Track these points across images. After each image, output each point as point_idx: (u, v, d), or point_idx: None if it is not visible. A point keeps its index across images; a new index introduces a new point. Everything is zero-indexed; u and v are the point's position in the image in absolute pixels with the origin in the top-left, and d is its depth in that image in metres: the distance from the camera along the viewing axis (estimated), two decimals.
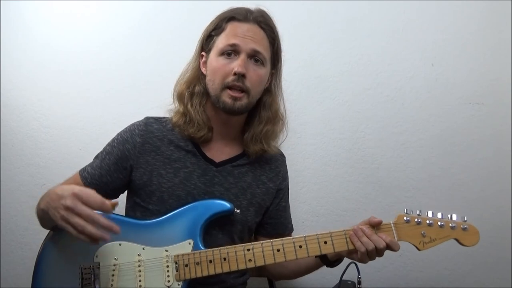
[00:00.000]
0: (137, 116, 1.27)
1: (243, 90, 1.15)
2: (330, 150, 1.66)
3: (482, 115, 1.66)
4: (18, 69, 1.60)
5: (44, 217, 1.05)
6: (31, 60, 1.60)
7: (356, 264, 1.17)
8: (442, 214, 1.13)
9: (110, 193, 1.22)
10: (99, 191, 1.17)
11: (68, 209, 0.94)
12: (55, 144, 1.61)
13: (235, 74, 1.13)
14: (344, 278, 1.23)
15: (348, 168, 1.66)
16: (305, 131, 1.66)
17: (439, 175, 1.65)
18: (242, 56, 1.14)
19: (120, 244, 1.09)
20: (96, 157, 1.24)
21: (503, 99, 1.67)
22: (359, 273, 1.19)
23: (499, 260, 1.64)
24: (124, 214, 1.25)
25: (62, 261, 1.08)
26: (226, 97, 1.14)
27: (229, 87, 1.14)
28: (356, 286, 1.22)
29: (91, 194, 0.96)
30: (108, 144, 1.23)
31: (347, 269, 1.20)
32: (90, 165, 1.23)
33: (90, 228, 0.93)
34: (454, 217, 1.12)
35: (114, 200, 0.98)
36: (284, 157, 1.37)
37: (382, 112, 1.66)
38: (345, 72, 1.66)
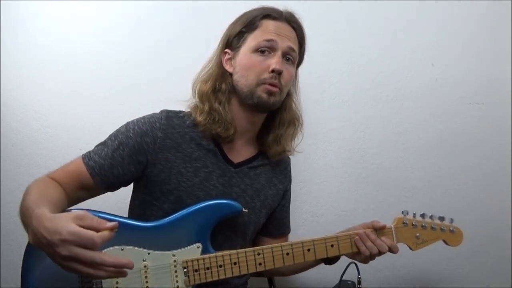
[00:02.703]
0: (137, 116, 1.25)
1: (278, 86, 1.14)
2: (330, 150, 1.66)
3: (482, 115, 1.66)
4: (18, 69, 1.60)
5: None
6: (31, 60, 1.60)
7: (356, 264, 1.18)
8: (432, 216, 1.21)
9: (117, 185, 1.16)
10: (106, 182, 1.12)
11: (67, 259, 0.79)
12: (55, 144, 1.61)
13: (273, 71, 1.12)
14: (344, 278, 1.23)
15: (348, 168, 1.66)
16: (305, 131, 1.65)
17: (439, 175, 1.66)
18: (279, 53, 1.14)
19: (122, 249, 1.03)
20: (103, 144, 1.15)
21: (503, 99, 1.67)
22: (359, 273, 1.19)
23: (499, 260, 1.64)
24: (127, 213, 1.22)
25: (55, 268, 0.95)
26: (262, 92, 1.13)
27: (265, 83, 1.13)
28: (356, 286, 1.23)
29: (84, 235, 0.78)
30: (122, 133, 1.14)
31: (347, 269, 1.20)
32: (97, 153, 1.13)
33: (101, 274, 0.81)
34: (444, 220, 1.21)
35: (113, 223, 0.83)
36: (290, 159, 1.38)
37: (382, 112, 1.66)
38: (345, 72, 1.66)
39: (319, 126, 1.66)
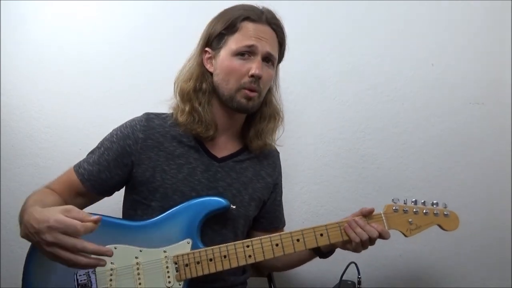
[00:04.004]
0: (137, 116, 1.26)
1: (256, 91, 1.17)
2: (330, 150, 1.66)
3: (482, 115, 1.66)
4: (18, 69, 1.60)
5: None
6: (31, 60, 1.60)
7: (356, 264, 1.18)
8: (425, 202, 1.20)
9: (107, 189, 1.21)
10: (96, 187, 1.17)
11: (50, 245, 0.88)
12: (55, 144, 1.61)
13: (252, 76, 1.14)
14: (344, 278, 1.23)
15: (348, 168, 1.66)
16: (305, 131, 1.66)
17: (439, 175, 1.66)
18: (259, 58, 1.15)
19: (115, 248, 1.06)
20: (92, 152, 1.21)
21: (503, 99, 1.67)
22: (359, 273, 1.19)
23: (499, 260, 1.64)
24: (120, 215, 1.25)
25: (53, 267, 1.03)
26: (241, 97, 1.16)
27: (245, 88, 1.15)
28: (356, 286, 1.22)
29: (69, 222, 0.87)
30: (106, 140, 1.21)
31: (347, 269, 1.20)
32: (86, 161, 1.20)
33: (81, 260, 0.88)
34: (436, 204, 1.20)
35: (96, 216, 0.90)
36: (279, 153, 1.39)
37: (382, 112, 1.66)
38: (345, 72, 1.66)
39: (319, 126, 1.66)
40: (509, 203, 1.65)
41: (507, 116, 1.66)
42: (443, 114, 1.66)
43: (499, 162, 1.66)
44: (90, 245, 0.88)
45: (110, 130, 1.24)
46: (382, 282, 1.64)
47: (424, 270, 1.66)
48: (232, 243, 1.11)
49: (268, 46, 1.17)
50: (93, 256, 0.90)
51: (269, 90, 1.28)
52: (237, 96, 1.16)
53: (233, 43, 1.16)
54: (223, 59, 1.17)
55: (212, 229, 1.17)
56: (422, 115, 1.67)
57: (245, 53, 1.15)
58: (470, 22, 1.67)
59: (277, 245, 1.11)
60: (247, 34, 1.15)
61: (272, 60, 1.19)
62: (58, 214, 0.89)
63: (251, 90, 1.15)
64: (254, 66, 1.14)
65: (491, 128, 1.66)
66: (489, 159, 1.66)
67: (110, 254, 0.91)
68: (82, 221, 0.88)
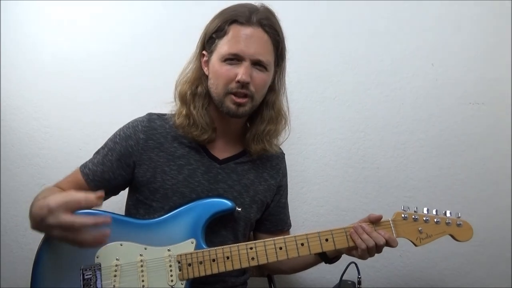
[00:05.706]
0: (137, 116, 1.26)
1: (247, 95, 1.13)
2: (330, 150, 1.66)
3: (482, 115, 1.66)
4: (18, 70, 1.60)
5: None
6: (31, 61, 1.60)
7: (356, 264, 1.18)
8: (437, 211, 1.16)
9: (112, 189, 1.22)
10: (100, 187, 1.15)
11: (55, 227, 0.91)
12: (55, 144, 1.61)
13: (238, 82, 1.11)
14: (344, 278, 1.23)
15: (348, 168, 1.66)
16: (305, 131, 1.66)
17: (439, 175, 1.66)
18: (246, 64, 1.11)
19: (121, 244, 1.09)
20: (97, 152, 1.22)
21: (503, 99, 1.67)
22: (359, 273, 1.19)
23: (499, 260, 1.64)
24: (124, 213, 1.25)
25: (61, 262, 1.07)
26: (230, 103, 1.13)
27: (233, 93, 1.13)
28: (356, 286, 1.22)
29: (70, 199, 0.91)
30: (110, 140, 1.22)
31: (347, 269, 1.20)
32: (91, 161, 1.21)
33: (86, 237, 0.92)
34: (449, 214, 1.16)
35: (98, 192, 0.92)
36: (284, 154, 1.38)
37: (382, 112, 1.66)
38: (345, 72, 1.66)
39: (319, 126, 1.66)
40: (509, 203, 1.65)
41: (507, 116, 1.66)
42: (443, 114, 1.67)
43: (499, 162, 1.66)
44: (88, 219, 0.91)
45: (110, 130, 1.24)
46: (382, 282, 1.64)
47: (424, 270, 1.66)
48: (236, 244, 1.11)
49: (256, 52, 1.11)
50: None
51: (272, 91, 1.24)
52: (226, 101, 1.13)
53: (221, 47, 1.13)
54: (214, 63, 1.15)
55: (212, 230, 1.17)
56: (422, 115, 1.67)
57: (233, 58, 1.12)
58: (470, 22, 1.67)
59: (280, 248, 1.11)
60: (233, 40, 1.12)
61: (263, 65, 1.14)
62: (57, 197, 0.92)
63: (240, 96, 1.12)
64: (241, 72, 1.10)
65: (491, 128, 1.66)
66: (489, 159, 1.66)
67: (109, 221, 0.95)
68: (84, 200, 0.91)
